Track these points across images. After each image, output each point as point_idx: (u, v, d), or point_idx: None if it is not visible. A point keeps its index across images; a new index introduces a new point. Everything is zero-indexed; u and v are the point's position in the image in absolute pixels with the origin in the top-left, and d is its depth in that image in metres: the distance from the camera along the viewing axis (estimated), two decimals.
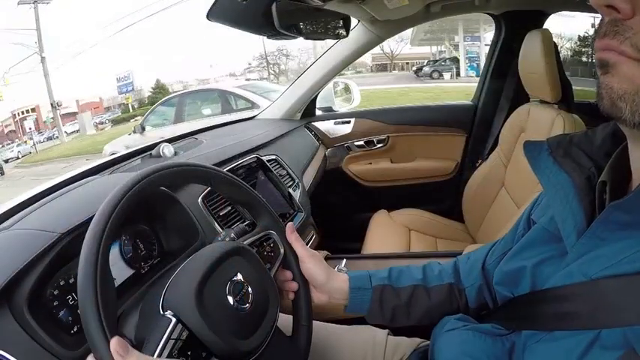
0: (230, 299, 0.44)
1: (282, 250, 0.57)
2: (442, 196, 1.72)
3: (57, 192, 0.66)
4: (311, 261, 0.56)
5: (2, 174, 11.05)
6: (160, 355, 0.37)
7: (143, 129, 5.07)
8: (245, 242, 0.53)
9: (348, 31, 1.06)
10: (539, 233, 0.46)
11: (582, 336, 0.33)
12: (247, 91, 4.76)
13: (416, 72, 16.81)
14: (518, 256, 0.47)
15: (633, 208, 0.33)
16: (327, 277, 0.57)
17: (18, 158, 14.07)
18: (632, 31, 0.28)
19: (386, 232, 1.37)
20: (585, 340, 0.33)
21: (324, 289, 0.57)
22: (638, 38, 0.28)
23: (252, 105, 4.46)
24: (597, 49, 0.31)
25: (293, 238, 0.58)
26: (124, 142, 5.32)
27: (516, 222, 0.54)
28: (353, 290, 0.57)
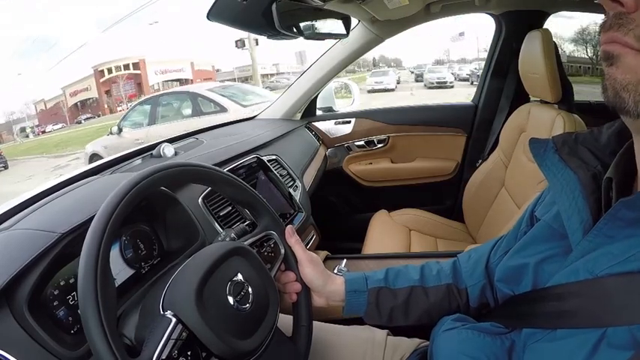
0: (230, 299, 0.44)
1: (282, 251, 0.57)
2: (442, 196, 1.72)
3: (57, 192, 0.66)
4: (309, 265, 0.57)
5: (6, 168, 11.02)
6: (159, 355, 0.37)
7: (120, 130, 5.08)
8: (245, 242, 0.53)
9: (348, 31, 1.06)
10: (542, 230, 0.46)
11: (587, 336, 0.33)
12: (217, 94, 4.74)
13: None
14: (521, 253, 0.47)
15: None
16: (325, 281, 0.57)
17: None
18: (635, 24, 0.29)
19: (386, 232, 1.37)
20: (591, 340, 0.33)
21: (322, 293, 0.58)
22: None
23: (221, 109, 4.43)
24: (602, 42, 0.31)
25: (293, 240, 0.58)
26: (102, 142, 5.44)
27: (519, 219, 0.54)
28: (349, 293, 0.57)
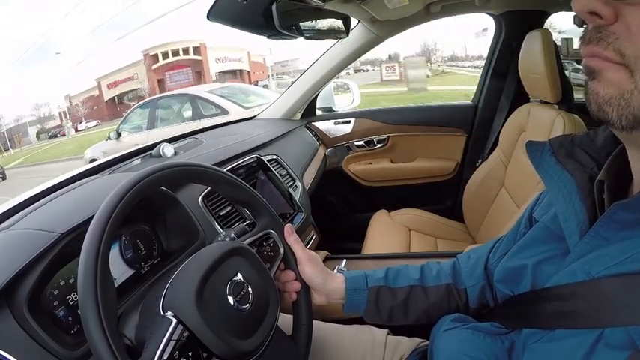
0: (230, 299, 0.44)
1: (281, 250, 0.57)
2: (442, 196, 1.72)
3: (57, 192, 0.66)
4: (309, 264, 0.57)
5: (4, 179, 10.82)
6: (160, 356, 0.37)
7: (119, 135, 4.91)
8: (245, 242, 0.53)
9: (348, 31, 1.06)
10: (540, 231, 0.46)
11: (585, 336, 0.33)
12: (217, 95, 4.54)
13: None
14: (520, 254, 0.47)
15: (638, 208, 0.33)
16: (325, 279, 0.57)
17: None
18: (614, 37, 0.29)
19: (386, 232, 1.37)
20: (588, 340, 0.33)
21: (322, 291, 0.58)
22: (621, 43, 0.28)
23: (222, 111, 4.27)
24: (583, 56, 0.31)
25: (292, 239, 0.58)
26: (101, 148, 5.23)
27: (518, 220, 0.54)
28: (349, 291, 0.57)
